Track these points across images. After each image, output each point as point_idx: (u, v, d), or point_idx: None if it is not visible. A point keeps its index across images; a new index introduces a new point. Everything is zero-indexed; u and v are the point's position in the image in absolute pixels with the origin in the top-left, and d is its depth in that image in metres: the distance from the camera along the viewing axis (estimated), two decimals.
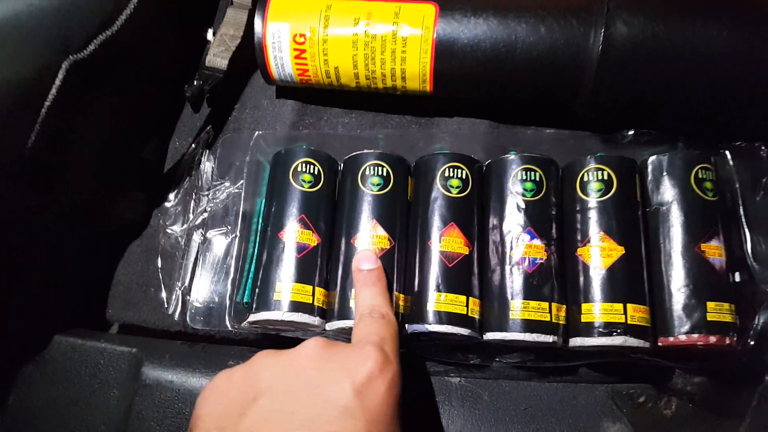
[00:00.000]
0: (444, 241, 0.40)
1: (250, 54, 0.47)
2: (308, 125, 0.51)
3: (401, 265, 0.41)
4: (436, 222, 0.41)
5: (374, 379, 0.29)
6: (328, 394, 0.28)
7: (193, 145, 0.47)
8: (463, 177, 0.42)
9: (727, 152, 0.43)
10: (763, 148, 0.43)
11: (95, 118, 0.40)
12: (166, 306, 0.42)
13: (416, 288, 0.40)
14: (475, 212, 0.42)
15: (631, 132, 0.43)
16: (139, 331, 0.47)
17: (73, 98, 0.37)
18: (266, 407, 0.27)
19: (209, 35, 0.54)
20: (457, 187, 0.42)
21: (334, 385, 0.28)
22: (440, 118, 0.51)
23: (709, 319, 0.37)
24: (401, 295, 0.40)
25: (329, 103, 0.52)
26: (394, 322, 0.35)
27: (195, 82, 0.50)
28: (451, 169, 0.42)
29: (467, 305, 0.39)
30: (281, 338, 0.42)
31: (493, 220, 0.42)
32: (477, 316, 0.40)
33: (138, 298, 0.47)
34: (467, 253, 0.41)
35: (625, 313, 0.37)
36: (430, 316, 0.39)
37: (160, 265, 0.44)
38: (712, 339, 0.37)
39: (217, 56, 0.52)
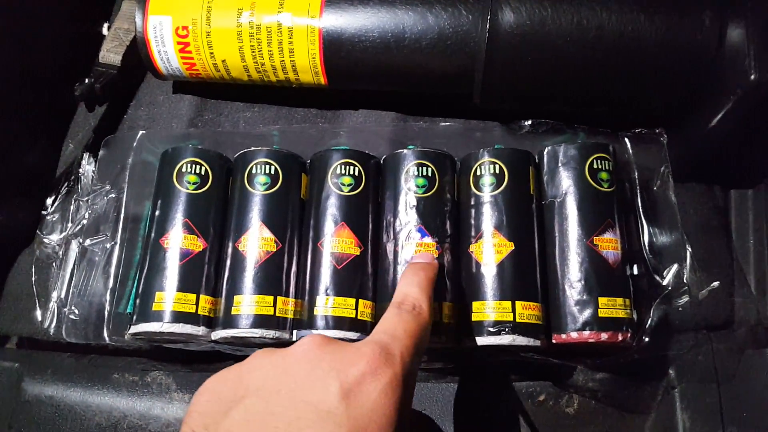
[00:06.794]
0: (334, 242, 0.39)
1: None
2: (207, 121, 0.49)
3: (291, 269, 0.39)
4: (327, 222, 0.39)
5: (366, 381, 0.26)
6: (312, 396, 0.26)
7: (72, 146, 0.45)
8: (356, 174, 0.40)
9: (627, 140, 0.42)
10: (664, 135, 0.42)
11: None
12: (40, 320, 0.40)
13: (307, 292, 0.39)
14: (370, 210, 0.41)
15: (528, 122, 0.42)
16: (33, 344, 0.45)
17: None
18: (250, 407, 0.26)
19: (104, 30, 0.52)
20: (349, 185, 0.40)
21: (320, 386, 0.26)
22: (346, 111, 0.49)
23: (600, 315, 0.36)
24: (293, 300, 0.39)
25: (229, 97, 0.50)
26: (425, 318, 0.31)
27: (86, 80, 0.47)
28: (344, 166, 0.40)
29: (356, 308, 0.38)
30: (172, 349, 0.40)
31: (387, 218, 0.40)
32: (369, 319, 0.38)
33: (28, 310, 0.44)
34: (358, 253, 0.39)
35: (513, 311, 0.36)
36: (318, 321, 0.37)
37: (34, 277, 0.42)
38: (604, 336, 0.36)
39: (111, 52, 0.49)
